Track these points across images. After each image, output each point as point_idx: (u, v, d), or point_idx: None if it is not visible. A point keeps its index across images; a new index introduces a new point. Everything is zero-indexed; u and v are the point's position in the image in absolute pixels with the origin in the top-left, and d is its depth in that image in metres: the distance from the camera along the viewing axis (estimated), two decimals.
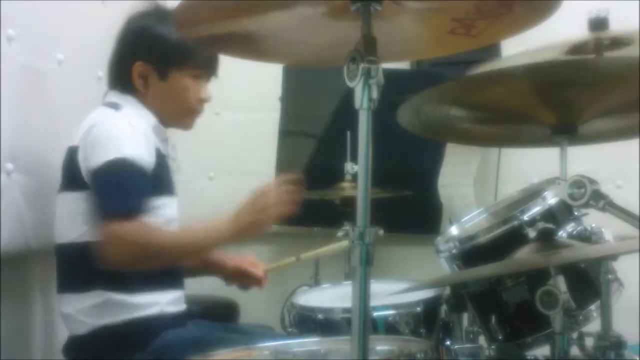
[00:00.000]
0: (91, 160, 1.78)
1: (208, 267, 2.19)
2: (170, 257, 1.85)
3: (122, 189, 1.77)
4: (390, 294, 1.65)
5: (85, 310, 1.83)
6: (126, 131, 1.83)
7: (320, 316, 1.83)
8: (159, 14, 1.96)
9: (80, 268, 1.85)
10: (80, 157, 1.81)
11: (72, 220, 1.85)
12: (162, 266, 1.85)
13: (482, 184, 2.81)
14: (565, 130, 1.56)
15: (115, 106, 1.91)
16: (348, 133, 2.28)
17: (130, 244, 1.72)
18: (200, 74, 2.00)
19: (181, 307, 1.97)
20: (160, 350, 1.81)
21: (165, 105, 1.98)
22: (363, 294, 1.12)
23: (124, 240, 1.71)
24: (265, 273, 2.18)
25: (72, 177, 1.84)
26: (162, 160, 1.93)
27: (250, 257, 2.21)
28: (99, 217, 1.74)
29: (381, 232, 1.12)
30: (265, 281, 2.19)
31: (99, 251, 1.72)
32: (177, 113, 2.02)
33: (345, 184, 2.47)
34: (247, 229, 1.84)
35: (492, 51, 2.87)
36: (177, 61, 1.95)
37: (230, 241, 1.91)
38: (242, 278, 2.18)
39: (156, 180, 1.87)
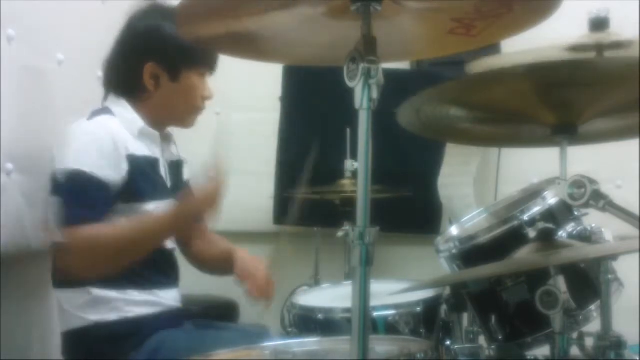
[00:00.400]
0: (56, 166, 1.81)
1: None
2: (125, 251, 1.80)
3: (75, 199, 1.76)
4: (390, 294, 1.65)
5: (79, 306, 1.85)
6: (88, 143, 1.82)
7: (320, 316, 1.83)
8: (166, 13, 1.94)
9: None
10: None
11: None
12: (122, 266, 1.80)
13: (482, 184, 2.81)
14: (565, 130, 1.55)
15: (95, 113, 1.91)
16: (348, 130, 2.28)
17: (84, 249, 1.72)
18: (205, 73, 2.01)
19: (176, 305, 1.97)
20: (155, 349, 1.81)
21: (176, 105, 1.99)
22: (363, 294, 1.12)
23: (79, 247, 1.72)
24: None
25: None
26: (145, 164, 1.92)
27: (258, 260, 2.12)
28: (60, 225, 1.74)
29: None
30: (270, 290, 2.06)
31: (58, 258, 1.78)
32: (186, 112, 2.03)
33: (345, 181, 2.47)
34: (186, 216, 1.86)
35: (492, 51, 2.87)
36: (188, 61, 1.96)
37: (173, 227, 1.88)
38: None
39: (134, 187, 1.86)
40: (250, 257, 2.10)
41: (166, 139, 2.04)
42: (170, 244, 2.00)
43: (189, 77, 1.98)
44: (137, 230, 1.80)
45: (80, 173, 1.78)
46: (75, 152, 1.81)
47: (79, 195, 1.77)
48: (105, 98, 2.00)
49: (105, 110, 1.93)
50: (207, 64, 2.00)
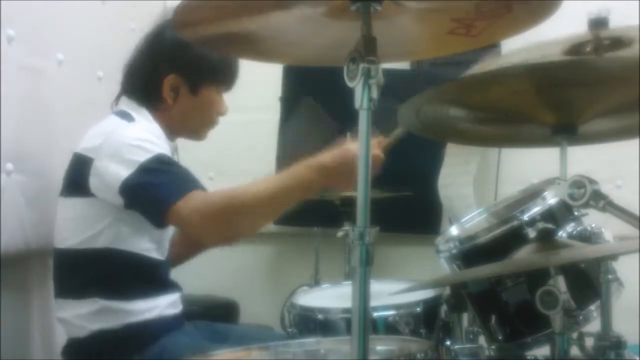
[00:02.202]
0: (120, 172, 1.75)
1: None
2: (255, 211, 1.74)
3: (171, 175, 1.76)
4: (390, 294, 1.65)
5: (83, 316, 1.83)
6: (147, 135, 1.83)
7: (320, 316, 1.83)
8: None
9: (77, 274, 1.85)
10: (96, 169, 1.79)
11: (73, 226, 1.84)
12: (255, 226, 1.77)
13: (482, 184, 2.81)
14: (565, 130, 1.55)
15: (127, 117, 1.89)
16: (348, 135, 2.27)
17: (209, 212, 1.69)
18: (223, 90, 2.02)
19: (178, 309, 1.96)
20: (158, 353, 1.81)
21: (192, 118, 2.00)
22: (363, 294, 1.12)
23: (201, 211, 1.68)
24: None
25: (76, 184, 1.83)
26: None
27: None
28: (162, 212, 1.71)
29: None
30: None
31: (193, 238, 1.84)
32: (200, 126, 2.04)
33: None
34: (333, 179, 1.77)
35: (492, 51, 2.87)
36: (210, 77, 1.97)
37: (316, 188, 1.79)
38: None
39: None
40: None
41: (175, 150, 2.04)
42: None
43: (208, 92, 1.99)
44: (276, 185, 1.74)
45: (164, 155, 1.79)
46: (143, 145, 1.78)
47: (176, 170, 1.78)
48: (117, 100, 1.99)
49: (129, 116, 1.90)
50: (228, 82, 2.01)
